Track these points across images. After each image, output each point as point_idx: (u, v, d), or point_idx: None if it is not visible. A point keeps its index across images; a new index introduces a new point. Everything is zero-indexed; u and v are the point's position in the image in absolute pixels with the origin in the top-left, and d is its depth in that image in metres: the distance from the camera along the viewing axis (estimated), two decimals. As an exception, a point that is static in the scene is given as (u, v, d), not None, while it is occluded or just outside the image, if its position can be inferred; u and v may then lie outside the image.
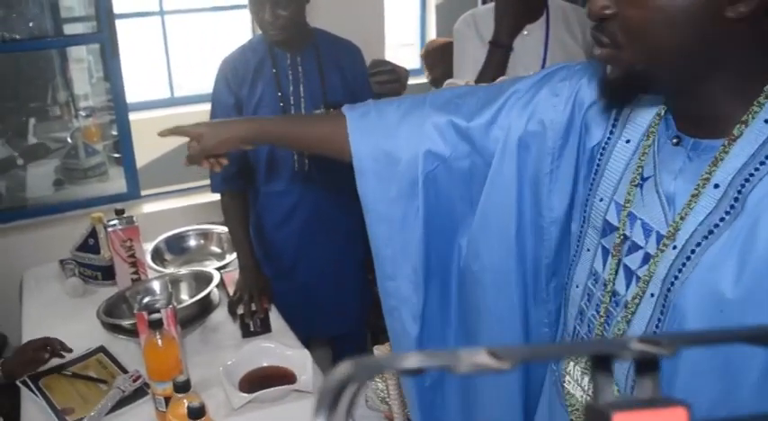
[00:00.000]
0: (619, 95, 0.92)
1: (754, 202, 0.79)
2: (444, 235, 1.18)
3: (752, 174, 0.80)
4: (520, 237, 1.09)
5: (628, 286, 0.94)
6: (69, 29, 3.55)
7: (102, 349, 1.95)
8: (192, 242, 2.54)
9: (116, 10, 3.05)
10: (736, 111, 0.83)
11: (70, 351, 1.89)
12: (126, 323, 1.89)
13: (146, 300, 2.07)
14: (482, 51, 2.16)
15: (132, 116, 3.30)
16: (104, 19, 2.98)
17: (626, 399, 0.39)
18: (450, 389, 1.27)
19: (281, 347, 1.85)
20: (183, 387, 1.37)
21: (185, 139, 1.37)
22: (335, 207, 2.25)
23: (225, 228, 2.52)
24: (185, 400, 1.35)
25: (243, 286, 2.09)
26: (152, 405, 1.65)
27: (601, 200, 0.99)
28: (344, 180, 2.26)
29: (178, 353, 1.62)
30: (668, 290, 0.87)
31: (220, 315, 2.09)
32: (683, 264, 0.86)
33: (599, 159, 1.00)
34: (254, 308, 2.03)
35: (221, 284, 2.15)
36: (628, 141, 0.97)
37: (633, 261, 0.94)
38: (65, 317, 2.16)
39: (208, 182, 3.31)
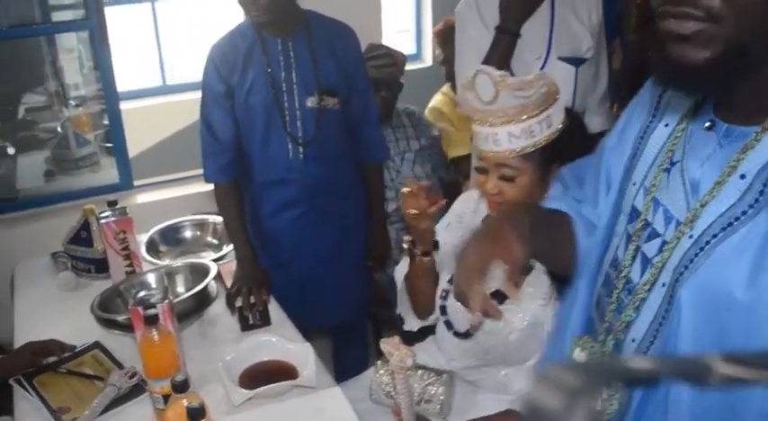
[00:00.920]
0: (703, 81, 0.78)
1: None
2: None
3: None
4: None
5: (642, 273, 0.91)
6: (58, 17, 3.47)
7: (97, 345, 1.89)
8: (188, 233, 2.48)
9: (105, -3, 2.98)
10: None
11: (73, 350, 1.83)
12: (121, 318, 1.84)
13: (141, 293, 2.01)
14: (485, 34, 2.10)
15: (124, 105, 3.24)
16: (92, 5, 2.90)
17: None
18: None
19: (282, 341, 1.79)
20: (181, 386, 1.31)
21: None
22: (333, 195, 2.20)
23: (221, 219, 2.47)
24: (184, 400, 1.29)
25: (241, 278, 2.03)
26: (149, 403, 1.59)
27: (633, 184, 0.95)
28: (342, 168, 2.27)
29: (175, 349, 1.56)
30: (676, 280, 0.84)
31: (218, 308, 2.03)
32: (696, 254, 0.82)
33: (639, 143, 0.95)
34: (252, 300, 1.97)
35: (218, 276, 2.09)
36: (666, 125, 0.93)
37: (650, 248, 0.90)
38: (58, 311, 2.09)
39: (202, 171, 3.30)
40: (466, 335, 1.62)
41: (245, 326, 1.95)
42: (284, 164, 2.12)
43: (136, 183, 3.21)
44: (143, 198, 3.15)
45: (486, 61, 2.07)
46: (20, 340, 1.95)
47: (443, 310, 1.68)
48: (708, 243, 0.80)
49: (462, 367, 1.69)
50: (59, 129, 3.52)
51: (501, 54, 2.02)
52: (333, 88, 2.09)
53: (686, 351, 0.82)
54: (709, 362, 0.54)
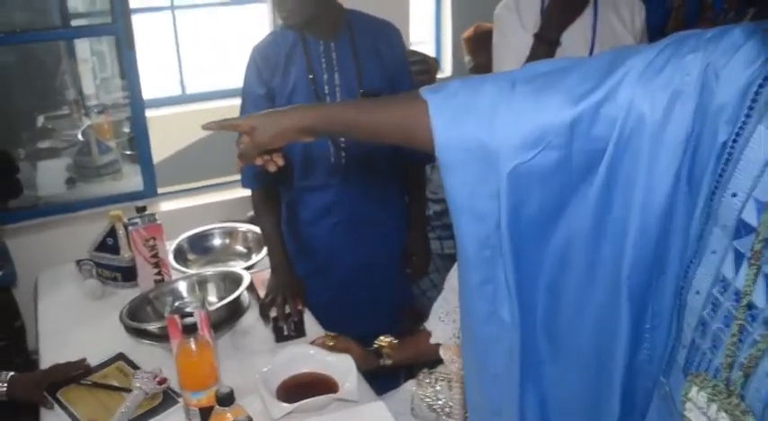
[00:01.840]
0: None
1: None
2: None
3: None
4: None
5: None
6: (76, 24, 3.46)
7: (121, 356, 1.81)
8: (217, 241, 2.40)
9: (126, 5, 2.93)
10: None
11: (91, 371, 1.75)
12: (153, 327, 1.76)
13: (174, 302, 1.93)
14: (524, 40, 2.04)
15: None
16: (119, 10, 2.86)
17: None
18: None
19: (321, 353, 1.71)
20: (227, 399, 1.23)
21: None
22: (374, 202, 2.13)
23: (250, 227, 2.41)
24: (230, 414, 1.21)
25: (275, 287, 1.96)
26: (182, 416, 1.52)
27: (734, 195, 0.83)
28: (382, 173, 2.19)
29: (213, 359, 1.49)
30: None
31: (251, 318, 1.95)
32: None
33: (731, 146, 0.85)
34: (287, 310, 1.89)
35: (250, 285, 2.02)
36: None
37: None
38: (82, 320, 2.02)
39: (227, 178, 3.26)
40: None
41: (280, 338, 1.87)
42: (326, 168, 2.05)
43: (159, 190, 3.16)
44: (167, 206, 3.09)
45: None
46: (45, 348, 1.89)
47: None
48: None
49: None
50: (80, 136, 3.48)
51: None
52: (376, 91, 2.02)
53: None
54: None
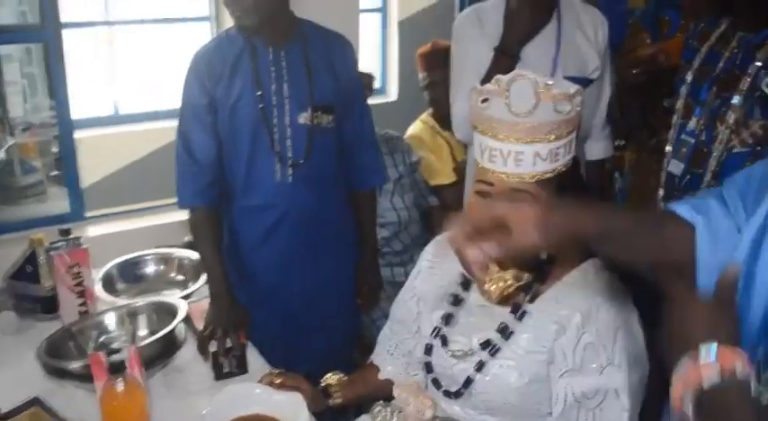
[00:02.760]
0: None
1: None
2: None
3: None
4: None
5: None
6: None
7: (37, 401, 1.55)
8: (150, 268, 2.20)
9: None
10: None
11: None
12: (75, 365, 1.56)
13: (99, 337, 1.74)
14: (486, 52, 1.96)
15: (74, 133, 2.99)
16: (49, 13, 2.66)
17: None
18: None
19: (268, 391, 1.54)
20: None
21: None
22: (322, 223, 1.99)
23: (187, 253, 2.23)
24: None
25: (215, 318, 1.78)
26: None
27: None
28: (333, 194, 2.02)
29: (145, 402, 1.31)
30: None
31: (187, 353, 1.77)
32: None
33: None
34: (228, 344, 1.72)
35: (187, 317, 1.84)
36: None
37: None
38: (-5, 358, 1.80)
39: (162, 202, 3.07)
40: (457, 394, 1.39)
41: (220, 375, 1.70)
42: (270, 187, 1.91)
43: (88, 213, 2.94)
44: (96, 230, 2.89)
45: (483, 83, 1.92)
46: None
47: (429, 368, 1.46)
48: None
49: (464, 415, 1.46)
50: (2, 155, 3.25)
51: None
52: (328, 104, 1.90)
53: None
54: None
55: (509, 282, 1.32)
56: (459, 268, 1.44)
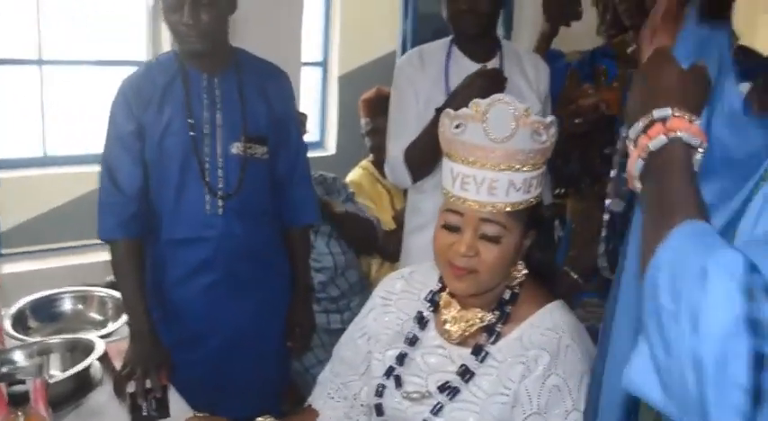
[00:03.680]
0: None
1: None
2: None
3: None
4: None
5: None
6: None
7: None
8: (67, 306, 2.06)
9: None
10: None
11: None
12: (-27, 403, 1.41)
13: (3, 368, 1.59)
14: (428, 90, 1.97)
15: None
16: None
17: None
18: None
19: (188, 435, 1.42)
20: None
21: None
22: (254, 260, 1.91)
23: (108, 291, 2.10)
24: None
25: (135, 357, 1.66)
26: None
27: None
28: (265, 229, 1.93)
29: (48, 441, 1.17)
30: None
31: (103, 394, 1.64)
32: None
33: None
34: (148, 385, 1.61)
35: (105, 356, 1.71)
36: None
37: None
38: None
39: (84, 242, 2.91)
40: None
41: (138, 418, 1.58)
42: (199, 219, 1.82)
43: (3, 251, 2.77)
44: (12, 268, 2.71)
45: (420, 139, 1.93)
46: None
47: (379, 410, 1.37)
48: None
49: None
50: None
51: (434, 139, 1.88)
52: (262, 135, 1.84)
53: None
54: None
55: (470, 322, 1.27)
56: (417, 306, 1.38)
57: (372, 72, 5.08)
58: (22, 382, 1.18)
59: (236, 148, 1.82)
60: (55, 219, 3.83)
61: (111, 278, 2.20)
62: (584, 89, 2.18)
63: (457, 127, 1.21)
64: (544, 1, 2.34)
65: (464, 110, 1.20)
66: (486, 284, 1.25)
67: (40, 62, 4.09)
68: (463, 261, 1.23)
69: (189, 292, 1.87)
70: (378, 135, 2.68)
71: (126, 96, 1.78)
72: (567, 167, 2.33)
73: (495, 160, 1.18)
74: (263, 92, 1.87)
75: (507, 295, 1.28)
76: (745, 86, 0.94)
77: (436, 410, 1.25)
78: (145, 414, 1.59)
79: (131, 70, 1.86)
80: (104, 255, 1.91)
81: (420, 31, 4.27)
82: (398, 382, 1.32)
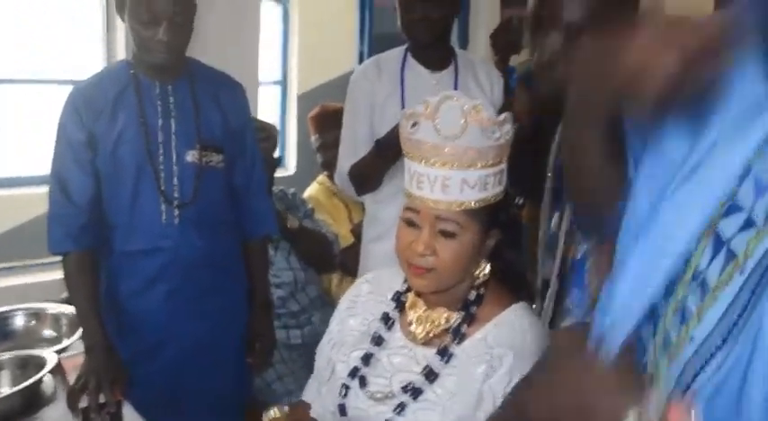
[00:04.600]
0: None
1: None
2: None
3: None
4: None
5: None
6: None
7: None
8: (19, 323, 1.99)
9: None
10: None
11: None
12: None
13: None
14: (383, 97, 2.00)
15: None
16: None
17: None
18: None
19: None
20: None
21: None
22: (212, 270, 1.87)
23: (62, 308, 2.05)
24: None
25: (88, 371, 1.62)
26: None
27: None
28: (224, 238, 1.90)
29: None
30: None
31: (55, 411, 1.59)
32: None
33: None
34: (102, 399, 1.57)
35: (59, 371, 1.66)
36: None
37: None
38: None
39: (35, 261, 2.84)
40: None
41: (92, 433, 1.53)
42: (155, 229, 1.79)
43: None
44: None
45: (362, 162, 2.01)
46: None
47: (342, 410, 1.35)
48: None
49: None
50: None
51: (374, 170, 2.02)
52: (217, 143, 1.83)
53: None
54: None
55: (436, 323, 1.28)
56: (383, 307, 1.38)
57: (332, 91, 5.09)
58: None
59: (191, 156, 1.81)
60: (8, 239, 3.74)
61: (66, 294, 2.16)
62: (517, 94, 2.23)
63: (413, 126, 1.22)
64: (491, 36, 2.49)
65: (417, 107, 1.22)
66: (446, 281, 1.26)
67: (-9, 81, 4.02)
68: (422, 260, 1.23)
69: (145, 303, 1.83)
70: (328, 150, 2.69)
71: (76, 106, 1.75)
72: (518, 173, 2.37)
73: (447, 157, 1.19)
74: (217, 100, 1.87)
75: (473, 296, 1.29)
76: None
77: (399, 410, 1.25)
78: (99, 429, 1.54)
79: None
80: (59, 274, 1.86)
81: (376, 50, 4.31)
82: (363, 382, 1.31)
